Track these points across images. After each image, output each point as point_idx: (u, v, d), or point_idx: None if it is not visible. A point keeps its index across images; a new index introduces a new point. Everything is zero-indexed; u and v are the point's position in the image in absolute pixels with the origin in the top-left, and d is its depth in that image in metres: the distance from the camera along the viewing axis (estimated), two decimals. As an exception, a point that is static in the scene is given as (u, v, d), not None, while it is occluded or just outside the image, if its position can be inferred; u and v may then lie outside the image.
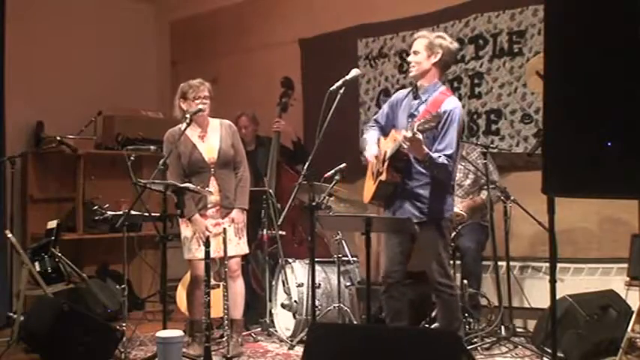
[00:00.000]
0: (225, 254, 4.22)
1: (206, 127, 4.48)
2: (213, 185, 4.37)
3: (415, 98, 3.86)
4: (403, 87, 5.63)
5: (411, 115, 3.81)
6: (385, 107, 4.07)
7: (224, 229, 4.24)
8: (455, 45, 3.91)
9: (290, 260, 4.92)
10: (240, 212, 4.43)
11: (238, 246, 4.44)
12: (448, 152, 3.64)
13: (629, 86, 2.05)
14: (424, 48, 3.80)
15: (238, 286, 4.44)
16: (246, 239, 4.53)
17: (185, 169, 4.39)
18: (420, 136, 3.46)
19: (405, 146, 3.57)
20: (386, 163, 3.76)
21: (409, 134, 3.48)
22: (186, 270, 4.87)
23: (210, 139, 4.45)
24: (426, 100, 3.80)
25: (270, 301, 5.00)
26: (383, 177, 3.77)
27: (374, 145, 3.93)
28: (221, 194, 4.38)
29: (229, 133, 4.50)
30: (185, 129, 4.21)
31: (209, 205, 4.38)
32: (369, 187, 3.95)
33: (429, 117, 3.46)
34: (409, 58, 3.88)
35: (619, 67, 2.08)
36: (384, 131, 3.99)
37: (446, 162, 3.62)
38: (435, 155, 3.60)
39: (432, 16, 5.46)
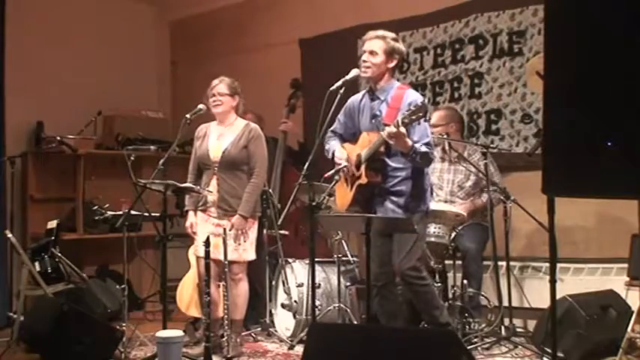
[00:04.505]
0: (225, 256, 4.20)
1: (227, 126, 4.46)
2: (213, 185, 4.36)
3: (373, 100, 3.92)
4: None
5: (374, 116, 3.88)
6: (341, 117, 4.10)
7: (224, 229, 4.22)
8: (404, 48, 4.03)
9: (290, 260, 4.92)
10: (241, 218, 4.28)
11: (236, 252, 4.31)
12: (425, 141, 3.74)
13: (629, 86, 2.05)
14: (383, 51, 3.84)
15: (239, 289, 4.40)
16: (254, 246, 4.44)
17: (198, 164, 4.47)
18: (403, 129, 3.52)
19: (391, 142, 3.62)
20: (363, 166, 3.79)
21: (393, 129, 3.52)
22: (187, 270, 4.88)
23: (225, 138, 4.42)
24: (385, 99, 3.85)
25: (270, 301, 5.00)
26: (363, 180, 3.81)
27: (339, 149, 3.97)
28: (219, 195, 4.34)
29: (247, 136, 4.39)
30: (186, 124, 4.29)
31: (208, 205, 4.38)
32: (344, 194, 3.96)
33: (413, 108, 3.51)
34: (364, 57, 3.88)
35: (619, 67, 2.08)
36: (344, 140, 4.06)
37: (427, 150, 3.72)
38: (416, 145, 3.67)
39: (432, 16, 5.46)
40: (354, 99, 4.07)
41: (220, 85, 4.41)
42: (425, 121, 3.65)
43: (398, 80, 4.10)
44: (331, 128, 4.11)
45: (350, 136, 4.04)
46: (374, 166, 3.79)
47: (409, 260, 3.79)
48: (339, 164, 3.89)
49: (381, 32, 3.90)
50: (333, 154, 4.01)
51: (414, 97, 3.79)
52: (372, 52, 3.85)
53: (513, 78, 5.09)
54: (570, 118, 2.17)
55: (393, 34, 3.93)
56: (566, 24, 2.19)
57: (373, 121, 3.86)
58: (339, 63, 5.60)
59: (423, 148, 3.70)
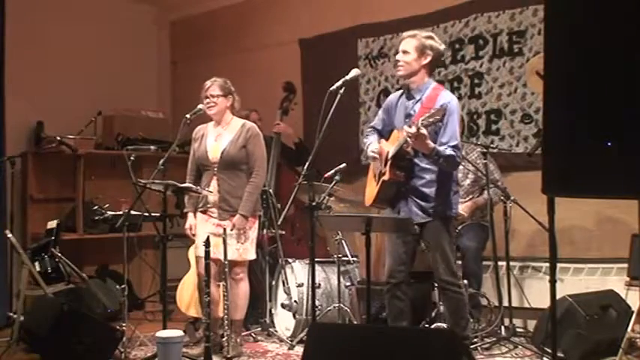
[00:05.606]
0: (225, 256, 4.20)
1: (224, 127, 4.47)
2: (213, 185, 4.36)
3: (409, 98, 3.90)
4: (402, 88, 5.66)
5: (408, 115, 3.84)
6: (380, 113, 4.10)
7: (224, 229, 4.22)
8: (443, 46, 3.96)
9: (290, 260, 4.92)
10: (242, 218, 4.29)
11: (237, 251, 4.31)
12: (453, 143, 3.68)
13: (629, 86, 2.05)
14: (414, 49, 3.81)
15: (240, 289, 4.40)
16: (255, 245, 4.45)
17: (197, 166, 4.47)
18: (424, 130, 3.48)
19: (411, 142, 3.59)
20: (389, 163, 3.77)
21: (413, 130, 3.50)
22: (187, 270, 4.88)
23: (223, 138, 4.42)
24: (420, 99, 3.82)
25: (270, 301, 5.00)
26: (386, 177, 3.77)
27: (375, 142, 3.96)
28: (220, 195, 4.34)
29: (245, 135, 4.39)
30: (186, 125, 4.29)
31: (209, 205, 4.38)
32: (372, 189, 3.94)
33: (433, 111, 3.49)
34: (397, 57, 3.88)
35: (619, 67, 2.08)
36: (382, 136, 4.03)
37: (453, 153, 3.67)
38: (441, 148, 3.64)
39: (432, 16, 5.46)
40: (393, 96, 4.06)
41: (213, 87, 4.41)
42: (458, 122, 3.64)
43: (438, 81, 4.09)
44: (371, 124, 4.13)
45: (387, 133, 4.01)
46: (400, 164, 3.75)
47: (447, 266, 3.77)
48: (374, 157, 3.88)
49: (413, 32, 3.91)
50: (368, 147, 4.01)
51: (447, 98, 3.74)
52: (404, 52, 3.84)
53: (513, 78, 5.09)
54: (570, 118, 2.17)
55: (427, 33, 3.93)
56: (566, 24, 2.19)
57: (407, 120, 3.82)
58: (339, 63, 5.63)
59: (449, 151, 3.64)
